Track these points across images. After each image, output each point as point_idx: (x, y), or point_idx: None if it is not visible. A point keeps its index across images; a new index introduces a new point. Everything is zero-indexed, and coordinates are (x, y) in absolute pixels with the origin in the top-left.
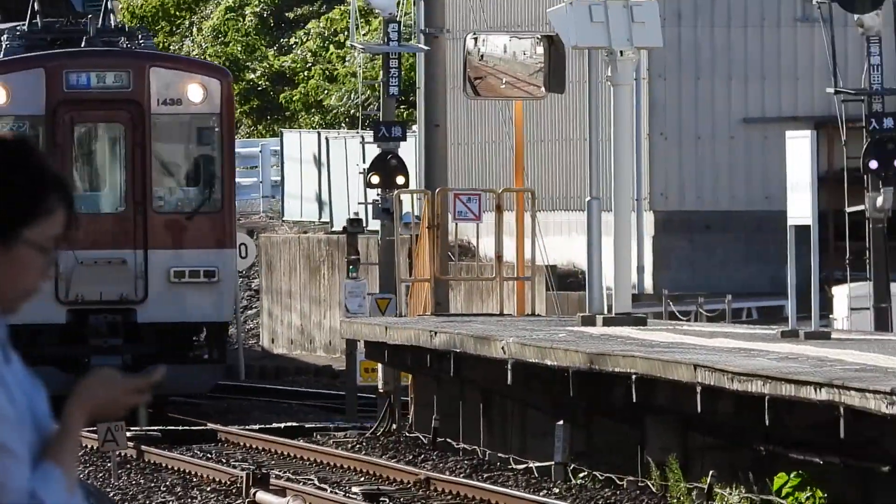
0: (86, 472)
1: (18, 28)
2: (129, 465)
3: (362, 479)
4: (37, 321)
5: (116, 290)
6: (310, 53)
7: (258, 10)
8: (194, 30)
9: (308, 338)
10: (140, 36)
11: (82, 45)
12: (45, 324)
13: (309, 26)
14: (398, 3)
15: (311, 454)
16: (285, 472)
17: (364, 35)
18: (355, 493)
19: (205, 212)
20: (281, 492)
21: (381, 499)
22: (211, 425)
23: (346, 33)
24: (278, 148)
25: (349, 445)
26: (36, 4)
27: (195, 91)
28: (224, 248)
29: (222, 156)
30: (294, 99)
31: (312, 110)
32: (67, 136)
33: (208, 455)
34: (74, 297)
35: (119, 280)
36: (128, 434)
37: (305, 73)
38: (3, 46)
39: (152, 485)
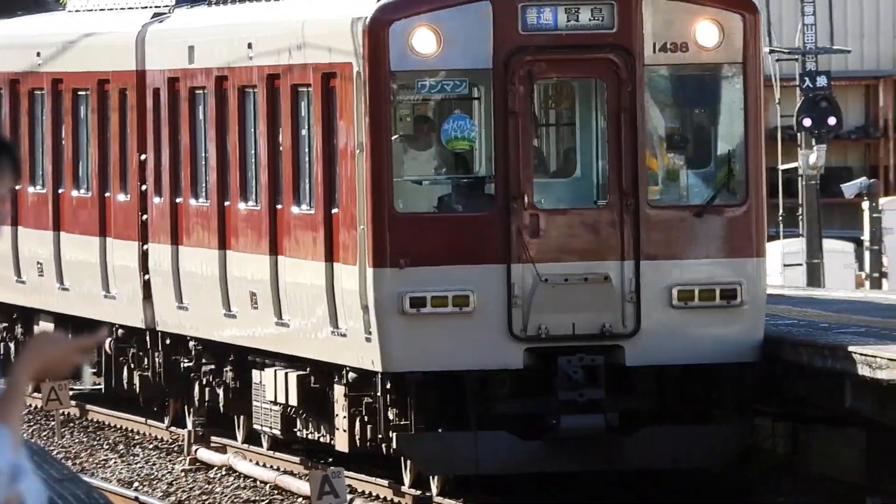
0: (29, 430)
1: None
2: (72, 424)
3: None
4: (480, 366)
5: (595, 319)
6: None
7: None
8: None
9: None
10: None
11: None
12: (493, 370)
13: None
14: None
15: None
16: (227, 430)
17: None
18: (295, 448)
19: (721, 205)
20: (222, 449)
21: (321, 454)
22: None
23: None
24: None
25: None
26: None
27: (708, 31)
28: (749, 258)
29: (746, 124)
30: None
31: None
32: (525, 99)
33: (151, 413)
34: (536, 330)
35: (599, 305)
36: (71, 392)
37: None
38: None
39: (95, 443)
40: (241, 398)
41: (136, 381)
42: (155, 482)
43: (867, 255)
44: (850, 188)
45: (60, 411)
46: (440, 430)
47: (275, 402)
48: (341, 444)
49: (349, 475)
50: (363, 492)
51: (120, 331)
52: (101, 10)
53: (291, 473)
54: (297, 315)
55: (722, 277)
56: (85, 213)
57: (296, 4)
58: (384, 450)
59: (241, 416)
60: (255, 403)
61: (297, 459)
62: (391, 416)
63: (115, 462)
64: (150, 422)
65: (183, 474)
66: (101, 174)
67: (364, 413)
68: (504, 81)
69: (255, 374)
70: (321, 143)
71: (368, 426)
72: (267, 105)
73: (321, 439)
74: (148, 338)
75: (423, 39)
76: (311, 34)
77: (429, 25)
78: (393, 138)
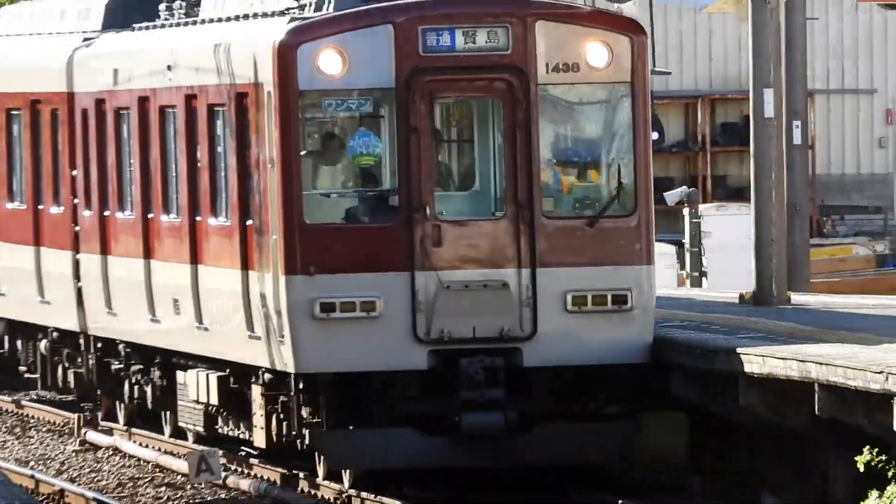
0: None
1: None
2: None
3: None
4: (387, 367)
5: (495, 323)
6: None
7: None
8: None
9: None
10: None
11: None
12: (399, 371)
13: None
14: None
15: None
16: (156, 426)
17: None
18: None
19: (612, 216)
20: (108, 432)
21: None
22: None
23: None
24: None
25: None
26: None
27: (598, 52)
28: (639, 265)
29: (635, 140)
30: None
31: None
32: (426, 117)
33: (44, 400)
34: (439, 334)
35: (498, 310)
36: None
37: None
38: None
39: None
40: (167, 396)
41: (71, 379)
42: (49, 461)
43: (687, 256)
44: (672, 196)
45: None
46: (350, 428)
47: (198, 402)
48: (259, 440)
49: (267, 467)
50: (274, 482)
51: (55, 333)
52: (35, 34)
53: (172, 454)
54: (216, 320)
55: (613, 284)
56: (20, 224)
57: (212, 29)
58: (298, 446)
59: (168, 413)
60: (179, 402)
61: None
62: (304, 415)
63: (12, 443)
64: (44, 407)
65: (74, 454)
66: (35, 188)
67: (280, 411)
68: (406, 100)
69: (179, 374)
70: (235, 159)
71: (284, 423)
72: (186, 123)
73: (241, 436)
74: (81, 340)
75: (329, 60)
76: (226, 57)
77: (335, 47)
78: (301, 154)
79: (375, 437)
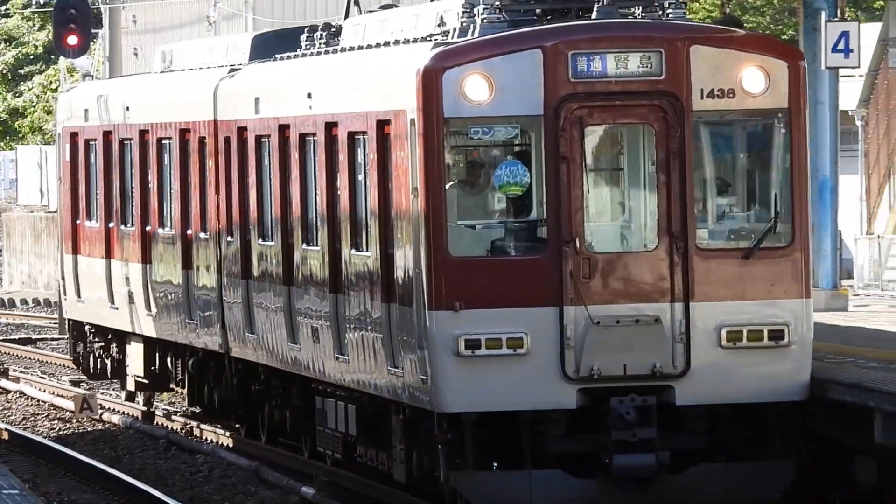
0: None
1: None
2: None
3: (70, 372)
4: (536, 406)
5: (646, 359)
6: (35, 96)
7: (1, 68)
8: None
9: (34, 279)
10: (667, 4)
11: (592, 17)
12: (548, 410)
13: (35, 79)
14: (91, 64)
15: (37, 356)
16: (19, 368)
17: (71, 84)
18: (65, 381)
19: (768, 247)
20: (16, 380)
21: (81, 383)
22: None
23: (58, 82)
24: (14, 157)
25: (62, 350)
26: None
27: (754, 78)
28: (796, 299)
29: (792, 169)
30: (25, 125)
31: (37, 133)
32: (576, 145)
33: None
34: (588, 371)
35: (650, 346)
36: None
37: (32, 109)
38: (478, 22)
39: None
40: (305, 420)
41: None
42: None
43: None
44: None
45: None
46: (495, 467)
47: (336, 430)
48: (399, 474)
49: (132, 406)
50: (137, 417)
51: (201, 353)
52: (184, 70)
53: (62, 396)
54: (357, 350)
55: (769, 318)
56: (171, 250)
57: (352, 57)
58: (441, 483)
59: (306, 437)
60: (318, 427)
61: (65, 385)
62: (447, 453)
63: None
64: None
65: None
66: (183, 215)
67: (421, 447)
68: (555, 128)
69: (318, 400)
70: (377, 188)
71: (425, 459)
72: (325, 151)
73: (380, 467)
74: (225, 361)
75: (475, 86)
76: (367, 84)
77: (481, 73)
78: (448, 186)
79: (522, 478)
